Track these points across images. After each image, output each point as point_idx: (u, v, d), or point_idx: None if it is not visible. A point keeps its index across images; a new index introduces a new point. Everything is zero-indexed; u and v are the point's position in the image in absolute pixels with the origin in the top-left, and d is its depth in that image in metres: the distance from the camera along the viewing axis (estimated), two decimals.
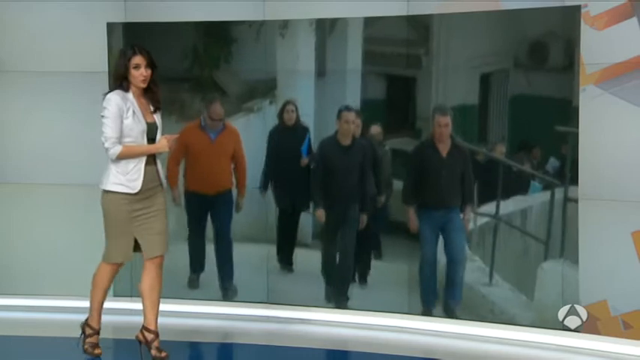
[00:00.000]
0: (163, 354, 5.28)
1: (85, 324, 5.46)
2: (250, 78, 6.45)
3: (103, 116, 5.17)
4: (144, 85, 5.22)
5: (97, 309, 5.42)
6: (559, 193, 5.78)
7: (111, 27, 6.43)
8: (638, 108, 5.46)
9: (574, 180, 5.66)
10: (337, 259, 6.46)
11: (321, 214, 6.46)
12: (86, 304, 6.23)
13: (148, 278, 5.31)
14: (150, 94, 5.26)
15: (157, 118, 5.29)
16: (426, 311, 6.18)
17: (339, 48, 6.31)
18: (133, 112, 5.18)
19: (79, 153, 6.50)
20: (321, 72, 6.42)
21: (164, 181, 5.34)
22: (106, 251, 5.34)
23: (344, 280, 6.44)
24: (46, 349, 5.75)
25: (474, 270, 6.13)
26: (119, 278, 6.44)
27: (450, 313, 6.13)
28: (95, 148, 6.40)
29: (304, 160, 6.48)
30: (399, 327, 6.14)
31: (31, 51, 6.53)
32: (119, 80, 5.21)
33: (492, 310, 6.04)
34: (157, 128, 5.26)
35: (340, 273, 6.46)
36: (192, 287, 6.60)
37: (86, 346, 5.42)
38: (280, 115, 6.48)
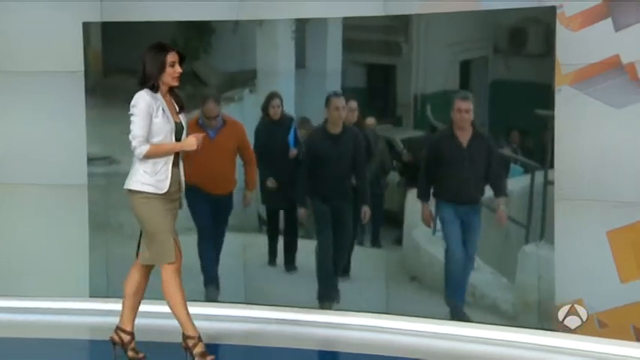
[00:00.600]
0: (140, 355, 5.24)
1: (185, 337, 5.14)
2: (230, 69, 6.39)
3: (131, 114, 5.03)
4: (176, 83, 5.12)
5: (187, 317, 5.11)
6: (539, 176, 5.76)
7: (87, 27, 6.41)
8: (612, 108, 5.47)
9: (551, 163, 5.67)
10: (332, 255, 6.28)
11: (304, 213, 6.33)
12: (67, 304, 6.22)
13: (144, 281, 5.22)
14: (173, 93, 5.17)
15: (182, 118, 5.20)
16: (457, 314, 5.98)
17: (318, 37, 6.25)
18: (163, 110, 5.07)
19: (57, 153, 6.48)
20: (300, 62, 6.32)
21: (184, 185, 5.22)
22: (156, 255, 5.09)
23: (334, 275, 6.28)
24: (30, 350, 5.68)
25: None
26: (95, 278, 6.47)
27: (454, 315, 5.97)
28: (74, 148, 6.49)
29: (293, 152, 6.35)
30: (381, 327, 6.09)
31: (7, 51, 6.48)
32: (152, 80, 5.05)
33: (473, 293, 6.01)
34: (183, 128, 5.16)
35: (334, 268, 6.30)
36: (212, 298, 6.45)
37: (196, 358, 5.11)
38: (265, 109, 6.38)
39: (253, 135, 6.43)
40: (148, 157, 5.02)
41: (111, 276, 6.45)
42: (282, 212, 6.50)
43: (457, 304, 5.99)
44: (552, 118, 5.63)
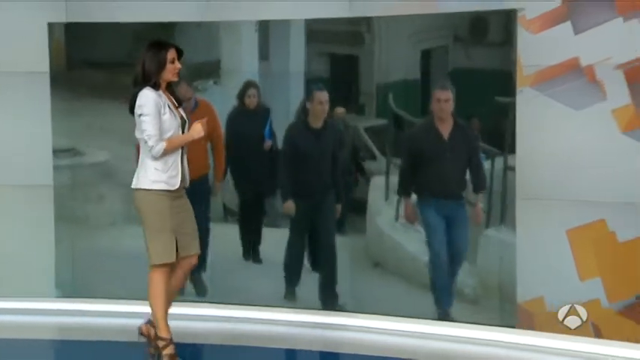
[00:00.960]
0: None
1: (156, 338, 5.18)
2: (194, 61, 6.33)
3: (141, 114, 5.01)
4: (176, 79, 5.15)
5: (164, 319, 5.15)
6: (499, 162, 5.81)
7: (52, 27, 6.40)
8: (572, 110, 5.55)
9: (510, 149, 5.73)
10: (318, 255, 6.21)
11: (290, 206, 6.23)
12: (28, 304, 6.19)
13: (175, 279, 5.20)
14: (170, 89, 5.18)
15: (182, 112, 5.20)
16: (443, 314, 5.94)
17: (281, 29, 6.26)
18: (169, 106, 5.08)
19: (19, 153, 6.46)
20: (263, 54, 6.32)
21: (188, 180, 5.21)
22: (154, 254, 5.09)
23: (332, 278, 6.17)
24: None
25: (417, 240, 6.09)
26: (62, 278, 6.47)
27: (441, 314, 5.93)
28: (36, 149, 6.46)
29: (268, 143, 6.31)
30: (348, 325, 6.10)
31: None
32: (152, 78, 5.05)
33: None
34: (186, 122, 5.17)
35: (327, 270, 6.20)
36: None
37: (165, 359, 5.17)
38: (241, 97, 6.36)
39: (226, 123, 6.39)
40: (165, 154, 5.03)
41: (77, 275, 6.48)
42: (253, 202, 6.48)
43: (447, 308, 5.96)
44: (512, 104, 5.67)
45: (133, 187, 5.11)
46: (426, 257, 6.03)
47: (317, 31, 6.20)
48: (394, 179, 6.13)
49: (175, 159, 5.09)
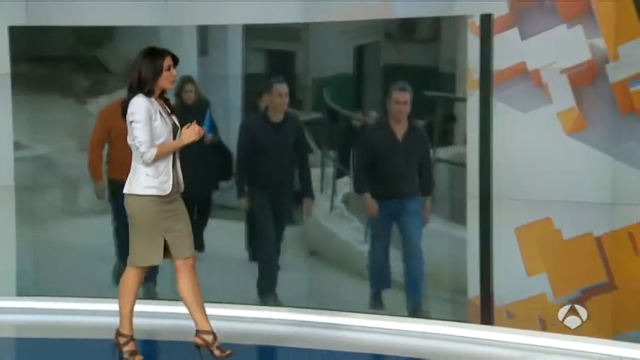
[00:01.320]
0: (228, 352, 5.23)
1: (118, 334, 5.25)
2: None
3: (133, 121, 5.04)
4: (171, 87, 5.20)
5: (128, 316, 5.21)
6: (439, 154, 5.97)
7: (12, 30, 6.42)
8: (519, 112, 5.69)
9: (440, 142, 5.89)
10: (268, 249, 6.20)
11: (243, 203, 6.24)
12: None
13: (185, 281, 5.19)
14: (162, 97, 5.20)
15: (175, 119, 5.23)
16: (377, 304, 6.06)
17: (219, 26, 6.33)
18: (160, 113, 5.11)
19: None
20: (203, 50, 6.37)
21: (182, 183, 5.26)
22: (136, 255, 5.17)
23: (274, 272, 6.18)
24: None
25: (351, 230, 6.19)
26: (23, 276, 6.53)
27: (415, 310, 5.98)
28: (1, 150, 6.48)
29: (207, 138, 6.20)
30: (301, 321, 6.15)
31: None
32: (148, 85, 5.08)
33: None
34: (178, 128, 5.19)
35: (270, 265, 6.19)
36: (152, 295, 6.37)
37: (125, 356, 5.21)
38: (178, 94, 6.38)
39: None
40: (156, 159, 5.07)
41: (39, 274, 6.52)
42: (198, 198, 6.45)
43: (380, 297, 6.06)
44: (441, 98, 5.87)
45: (125, 192, 5.16)
46: (360, 246, 6.12)
47: (255, 27, 6.26)
48: (329, 171, 6.21)
49: (167, 165, 5.13)
